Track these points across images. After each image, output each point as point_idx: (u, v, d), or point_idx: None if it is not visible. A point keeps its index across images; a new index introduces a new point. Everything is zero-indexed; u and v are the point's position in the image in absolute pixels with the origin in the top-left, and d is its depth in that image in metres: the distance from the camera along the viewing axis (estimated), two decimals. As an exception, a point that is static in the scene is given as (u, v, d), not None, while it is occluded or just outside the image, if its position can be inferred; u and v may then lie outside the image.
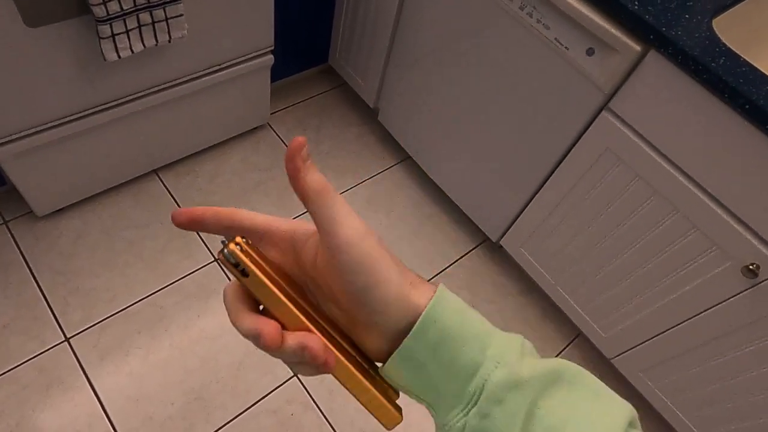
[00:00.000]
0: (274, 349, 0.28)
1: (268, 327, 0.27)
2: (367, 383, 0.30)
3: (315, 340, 0.28)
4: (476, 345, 0.29)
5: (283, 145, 1.67)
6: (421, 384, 0.30)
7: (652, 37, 0.88)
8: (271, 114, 1.70)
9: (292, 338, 0.28)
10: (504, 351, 0.29)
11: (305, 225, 0.32)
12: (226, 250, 0.28)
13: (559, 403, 0.29)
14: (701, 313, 1.04)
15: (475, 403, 0.28)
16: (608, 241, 1.15)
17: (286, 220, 0.33)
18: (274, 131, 1.69)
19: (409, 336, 0.28)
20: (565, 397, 0.29)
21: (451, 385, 0.29)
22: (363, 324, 0.30)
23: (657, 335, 1.15)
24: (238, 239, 0.29)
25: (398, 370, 0.30)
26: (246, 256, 0.28)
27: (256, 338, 0.28)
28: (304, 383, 1.27)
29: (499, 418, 0.28)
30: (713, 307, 1.02)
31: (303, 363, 0.29)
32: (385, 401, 0.30)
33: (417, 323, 0.28)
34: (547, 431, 0.28)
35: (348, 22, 1.55)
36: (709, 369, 1.09)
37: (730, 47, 0.86)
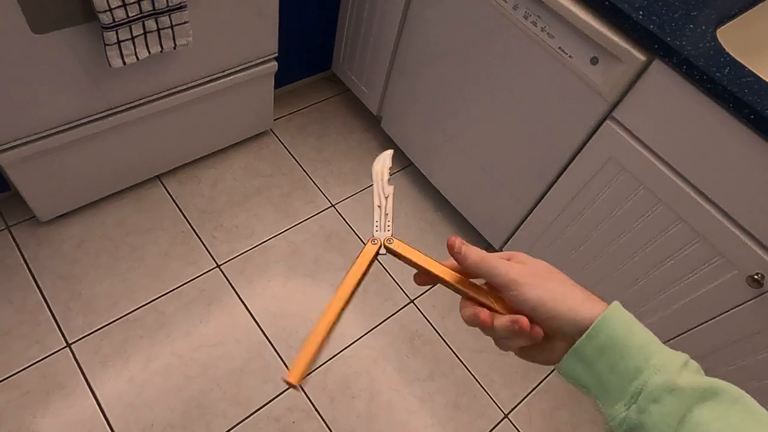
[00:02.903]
0: (489, 325, 0.40)
1: (484, 311, 0.41)
2: None
3: (522, 318, 0.38)
4: (641, 354, 0.35)
5: (286, 151, 1.67)
6: (591, 379, 0.36)
7: (656, 46, 0.88)
8: (274, 120, 1.70)
9: (503, 318, 0.40)
10: (666, 362, 0.34)
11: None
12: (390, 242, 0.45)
13: (716, 416, 0.32)
14: (706, 322, 1.04)
15: (636, 401, 0.34)
16: (612, 249, 1.14)
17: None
18: (277, 137, 1.69)
19: (582, 338, 0.36)
20: (722, 412, 0.32)
21: (615, 383, 0.35)
22: (549, 332, 0.39)
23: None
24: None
25: (572, 364, 0.37)
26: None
27: (475, 319, 0.41)
28: (305, 391, 1.27)
29: (654, 415, 0.33)
30: (718, 316, 1.01)
31: (513, 335, 0.39)
32: None
33: (589, 329, 0.36)
34: None
35: (352, 29, 1.55)
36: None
37: (735, 57, 0.86)
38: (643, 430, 0.33)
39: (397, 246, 0.45)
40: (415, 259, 0.44)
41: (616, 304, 0.37)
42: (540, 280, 0.39)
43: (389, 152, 0.50)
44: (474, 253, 0.41)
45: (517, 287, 0.38)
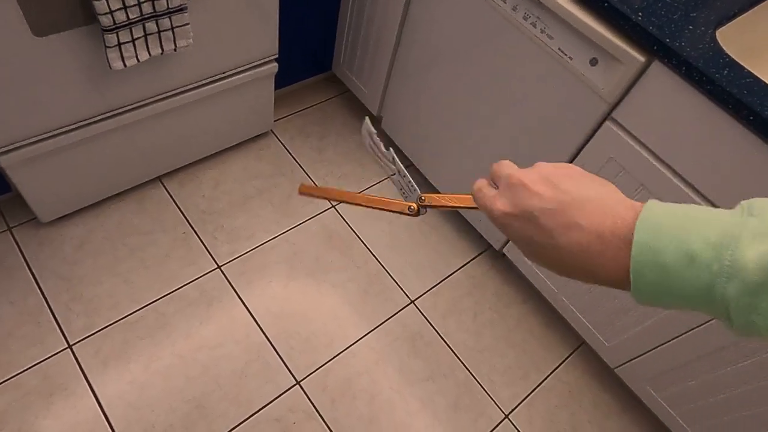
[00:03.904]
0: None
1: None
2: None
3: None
4: (707, 218, 0.31)
5: (287, 152, 1.67)
6: (676, 302, 0.31)
7: (655, 47, 0.88)
8: (275, 121, 1.70)
9: None
10: (721, 249, 0.29)
11: None
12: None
13: None
14: (707, 322, 1.04)
15: (729, 316, 0.29)
16: (612, 250, 1.14)
17: None
18: (278, 138, 1.69)
19: (631, 284, 0.31)
20: None
21: (699, 304, 0.30)
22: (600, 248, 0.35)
23: (662, 345, 1.15)
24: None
25: (642, 298, 0.32)
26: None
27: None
28: (306, 392, 1.27)
29: (759, 321, 0.28)
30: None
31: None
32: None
33: (631, 271, 0.31)
34: None
35: (352, 30, 1.56)
36: (715, 379, 1.08)
37: (734, 58, 0.86)
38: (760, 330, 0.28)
39: (430, 200, 0.48)
40: (450, 203, 0.47)
41: (651, 202, 0.34)
42: (585, 176, 0.39)
43: (366, 121, 0.51)
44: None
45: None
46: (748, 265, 0.28)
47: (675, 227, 0.31)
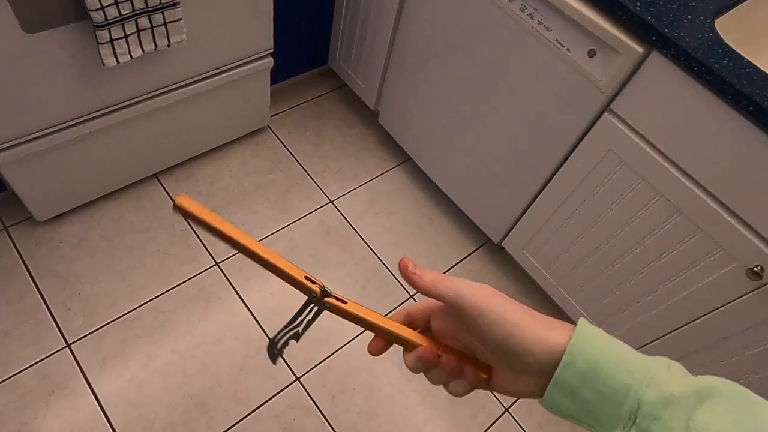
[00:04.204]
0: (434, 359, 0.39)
1: (425, 348, 0.39)
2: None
3: (425, 350, 0.38)
4: (623, 370, 0.32)
5: (283, 147, 1.66)
6: (579, 409, 0.33)
7: (654, 38, 0.87)
8: (271, 117, 1.69)
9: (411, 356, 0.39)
10: (651, 372, 0.32)
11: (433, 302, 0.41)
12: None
13: (717, 416, 0.30)
14: (705, 315, 1.04)
15: (634, 422, 0.31)
16: (611, 243, 1.14)
17: (423, 303, 0.42)
18: (274, 134, 1.68)
19: (559, 368, 0.33)
20: (722, 411, 0.31)
21: (606, 407, 0.32)
22: (514, 369, 0.35)
23: (661, 337, 1.15)
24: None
25: (557, 397, 0.34)
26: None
27: (419, 358, 0.39)
28: (306, 388, 1.27)
29: None
30: (717, 309, 1.01)
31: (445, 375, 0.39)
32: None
33: (565, 355, 0.33)
34: None
35: (347, 23, 1.54)
36: (715, 372, 1.08)
37: (733, 48, 0.85)
38: None
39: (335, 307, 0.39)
40: (357, 313, 0.39)
41: (582, 321, 0.34)
42: (505, 301, 0.35)
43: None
44: (429, 273, 0.37)
45: (487, 310, 0.34)
46: (671, 384, 0.32)
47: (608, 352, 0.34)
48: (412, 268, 0.38)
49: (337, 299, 0.39)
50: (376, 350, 0.41)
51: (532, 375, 0.35)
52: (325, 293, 0.39)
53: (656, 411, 0.31)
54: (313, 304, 0.39)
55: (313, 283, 0.38)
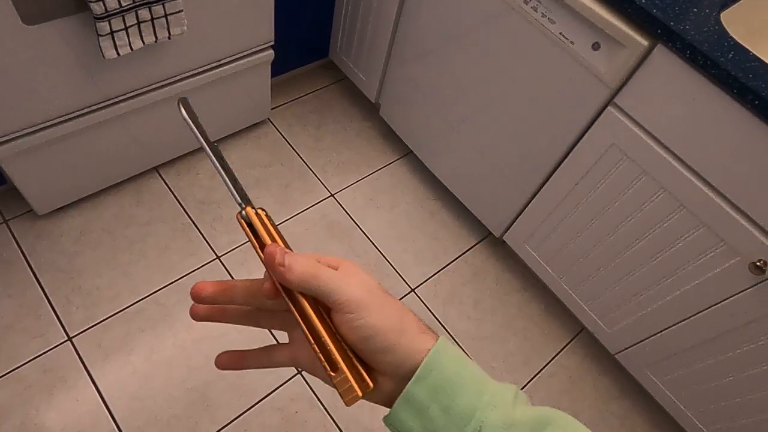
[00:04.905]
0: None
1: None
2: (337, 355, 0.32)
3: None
4: (473, 390, 0.32)
5: (284, 140, 1.65)
6: (423, 428, 0.32)
7: (659, 31, 0.86)
8: (272, 110, 1.68)
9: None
10: (498, 397, 0.32)
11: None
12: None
13: None
14: (707, 309, 1.04)
15: None
16: (613, 237, 1.14)
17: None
18: (275, 127, 1.68)
19: (412, 380, 0.32)
20: None
21: (450, 427, 0.32)
22: (372, 364, 0.34)
23: (662, 331, 1.15)
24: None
25: (404, 413, 0.33)
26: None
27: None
28: (308, 381, 1.27)
29: None
30: (719, 303, 1.01)
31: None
32: (350, 376, 0.32)
33: (418, 370, 0.32)
34: None
35: (349, 15, 1.53)
36: (715, 365, 1.09)
37: (739, 41, 0.84)
38: None
39: (271, 223, 0.35)
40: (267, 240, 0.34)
41: (442, 340, 0.34)
42: (379, 303, 0.33)
43: (185, 99, 0.39)
44: (300, 262, 0.32)
45: (358, 309, 0.32)
46: (515, 410, 0.32)
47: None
48: (280, 258, 0.32)
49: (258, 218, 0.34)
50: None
51: (387, 376, 0.33)
52: (249, 212, 0.35)
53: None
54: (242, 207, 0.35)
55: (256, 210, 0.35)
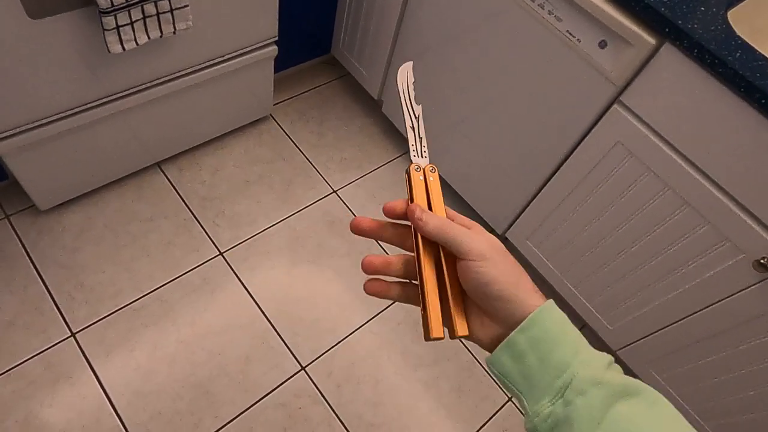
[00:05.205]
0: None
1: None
2: (433, 294, 0.39)
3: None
4: (570, 349, 0.35)
5: (287, 136, 1.65)
6: (520, 373, 0.36)
7: (667, 29, 0.87)
8: (274, 105, 1.68)
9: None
10: (592, 359, 0.35)
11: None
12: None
13: (637, 412, 0.33)
14: (710, 306, 1.05)
15: (562, 395, 0.34)
16: (617, 234, 1.14)
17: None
18: (278, 123, 1.67)
19: (516, 330, 0.36)
20: (642, 409, 0.33)
21: (544, 376, 0.35)
22: (485, 311, 0.39)
23: (664, 327, 1.16)
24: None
25: (505, 356, 0.37)
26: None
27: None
28: (312, 377, 1.27)
29: (580, 408, 0.33)
30: (723, 300, 1.02)
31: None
32: (437, 317, 0.39)
33: (524, 321, 0.36)
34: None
35: (352, 11, 1.53)
36: (717, 362, 1.10)
37: (746, 40, 0.85)
38: (568, 423, 0.33)
39: (435, 181, 0.42)
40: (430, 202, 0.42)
41: (551, 301, 0.37)
42: (501, 258, 0.38)
43: (410, 64, 0.46)
44: (435, 219, 0.40)
45: (482, 259, 0.37)
46: (606, 373, 0.35)
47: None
48: (419, 214, 0.40)
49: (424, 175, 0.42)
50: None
51: (497, 322, 0.38)
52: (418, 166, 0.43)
53: (585, 387, 0.33)
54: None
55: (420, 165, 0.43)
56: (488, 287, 0.37)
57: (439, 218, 0.40)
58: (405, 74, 0.46)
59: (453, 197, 1.61)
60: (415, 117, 0.45)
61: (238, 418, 1.20)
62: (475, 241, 0.38)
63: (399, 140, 1.70)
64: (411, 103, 0.45)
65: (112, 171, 1.39)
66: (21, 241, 1.32)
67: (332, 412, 1.24)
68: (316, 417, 1.23)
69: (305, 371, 1.28)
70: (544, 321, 0.36)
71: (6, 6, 0.90)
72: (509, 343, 0.36)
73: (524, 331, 0.36)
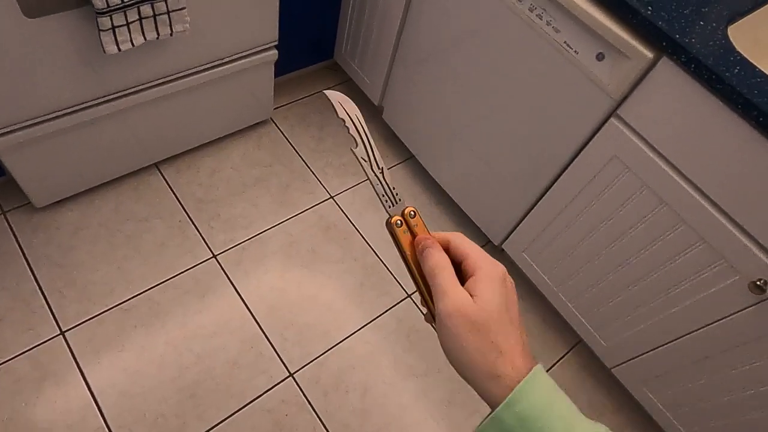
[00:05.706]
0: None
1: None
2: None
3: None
4: (561, 425, 0.33)
5: (286, 141, 1.65)
6: None
7: (664, 43, 0.85)
8: (274, 109, 1.68)
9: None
10: None
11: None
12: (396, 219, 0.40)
13: None
14: (705, 326, 1.02)
15: None
16: (613, 249, 1.12)
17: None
18: (277, 127, 1.67)
19: (502, 405, 0.33)
20: None
21: None
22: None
23: (659, 347, 1.13)
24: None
25: None
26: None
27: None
28: (299, 384, 1.26)
29: None
30: (718, 321, 1.00)
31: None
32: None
33: (510, 395, 0.33)
34: None
35: (354, 17, 1.52)
36: (712, 383, 1.07)
37: (745, 56, 0.83)
38: None
39: (419, 226, 0.40)
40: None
41: (539, 368, 0.35)
42: (465, 329, 0.36)
43: (344, 96, 0.40)
44: (430, 260, 0.39)
45: (441, 325, 0.37)
46: None
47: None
48: (420, 250, 0.39)
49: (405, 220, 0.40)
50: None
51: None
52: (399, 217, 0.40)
53: None
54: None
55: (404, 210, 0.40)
56: (451, 360, 0.36)
57: (436, 260, 0.38)
58: (352, 112, 0.39)
59: (450, 207, 1.59)
60: (380, 163, 0.40)
61: (224, 422, 1.19)
62: (446, 299, 0.36)
63: (399, 147, 1.69)
64: (370, 143, 0.39)
65: (110, 170, 1.40)
66: (16, 238, 1.32)
67: (318, 420, 1.23)
68: (302, 424, 1.22)
69: (293, 378, 1.27)
70: (531, 395, 0.33)
71: (2, 4, 0.91)
72: (495, 420, 0.34)
73: (510, 407, 0.33)
